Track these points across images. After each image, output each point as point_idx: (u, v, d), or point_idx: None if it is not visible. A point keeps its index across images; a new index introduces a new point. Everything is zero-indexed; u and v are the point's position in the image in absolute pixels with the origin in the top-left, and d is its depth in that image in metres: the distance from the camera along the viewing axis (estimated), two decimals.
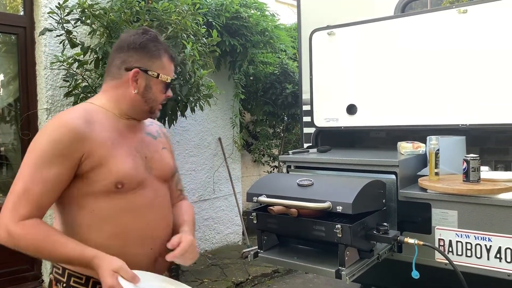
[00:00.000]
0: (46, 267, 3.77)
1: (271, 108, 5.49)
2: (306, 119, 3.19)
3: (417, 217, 2.22)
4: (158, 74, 1.44)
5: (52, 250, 1.26)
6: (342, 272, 1.87)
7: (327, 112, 2.92)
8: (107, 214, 1.34)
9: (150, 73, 1.43)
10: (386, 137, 3.23)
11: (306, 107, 3.18)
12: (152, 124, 1.61)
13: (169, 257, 1.40)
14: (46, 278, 3.78)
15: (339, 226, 1.84)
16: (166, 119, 3.54)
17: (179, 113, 3.64)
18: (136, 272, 1.27)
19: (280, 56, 5.55)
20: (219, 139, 5.16)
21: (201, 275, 4.19)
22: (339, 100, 2.86)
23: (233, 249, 5.05)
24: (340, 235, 1.84)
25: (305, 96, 3.19)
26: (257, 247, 2.20)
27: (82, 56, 3.32)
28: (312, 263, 2.01)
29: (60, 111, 3.72)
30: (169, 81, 1.48)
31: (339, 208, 1.86)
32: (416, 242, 1.95)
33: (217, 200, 5.16)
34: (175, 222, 1.55)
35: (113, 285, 1.20)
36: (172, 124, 3.65)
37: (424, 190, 2.20)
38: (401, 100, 2.64)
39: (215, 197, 5.11)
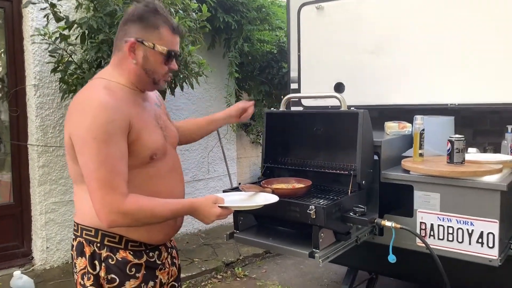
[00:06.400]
0: (36, 244, 3.77)
1: (267, 88, 5.37)
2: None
3: (399, 200, 2.15)
4: (154, 45, 1.45)
5: (164, 210, 1.41)
6: (316, 254, 1.81)
7: (314, 90, 2.83)
8: (140, 182, 1.44)
9: (146, 43, 1.45)
10: (377, 117, 3.13)
11: (294, 86, 3.09)
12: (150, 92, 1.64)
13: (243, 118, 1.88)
14: (36, 255, 3.78)
15: (312, 207, 1.77)
16: None
17: (168, 90, 3.56)
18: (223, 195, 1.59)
19: (277, 34, 5.41)
20: None
21: (192, 255, 4.18)
22: (326, 78, 2.76)
23: (227, 229, 4.98)
24: (314, 216, 1.77)
25: (293, 74, 3.10)
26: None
27: (67, 30, 3.24)
28: (287, 245, 1.95)
29: (48, 88, 3.67)
30: (165, 52, 1.47)
31: None
32: (393, 226, 1.88)
33: (211, 180, 5.12)
34: (193, 122, 1.92)
35: (221, 213, 1.45)
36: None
37: (407, 171, 2.12)
38: (390, 78, 2.54)
39: (209, 177, 5.07)
